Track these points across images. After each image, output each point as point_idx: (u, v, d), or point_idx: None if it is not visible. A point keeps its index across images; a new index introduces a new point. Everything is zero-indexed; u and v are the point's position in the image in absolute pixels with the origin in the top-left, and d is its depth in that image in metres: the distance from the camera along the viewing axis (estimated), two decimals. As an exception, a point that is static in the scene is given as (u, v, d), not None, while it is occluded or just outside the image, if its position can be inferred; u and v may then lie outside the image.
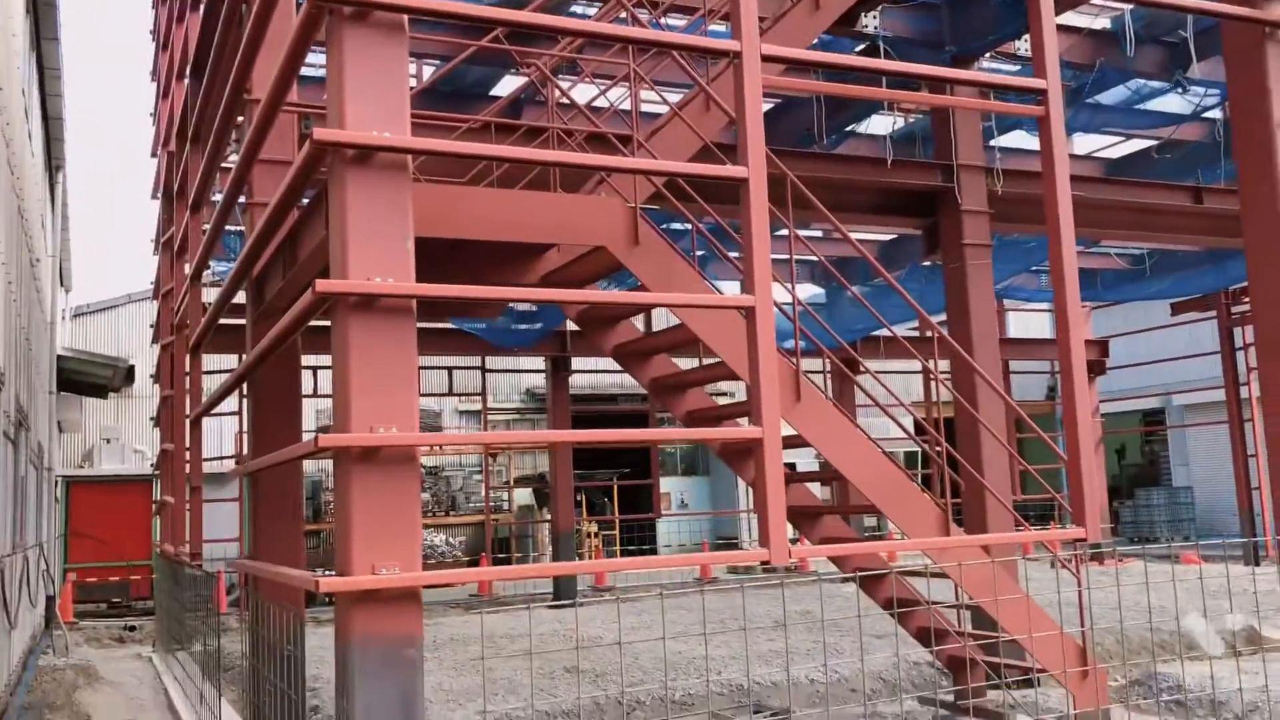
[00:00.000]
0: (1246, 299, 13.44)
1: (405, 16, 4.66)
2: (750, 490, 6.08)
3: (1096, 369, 20.80)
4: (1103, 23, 10.56)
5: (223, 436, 18.12)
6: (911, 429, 7.44)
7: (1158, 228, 11.91)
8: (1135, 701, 7.66)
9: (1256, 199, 7.12)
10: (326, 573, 4.56)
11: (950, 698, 7.70)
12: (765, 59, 5.34)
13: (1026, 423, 6.97)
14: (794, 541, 5.13)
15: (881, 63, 6.48)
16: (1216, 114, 11.80)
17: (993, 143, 10.73)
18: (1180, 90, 10.75)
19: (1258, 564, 17.01)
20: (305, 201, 6.11)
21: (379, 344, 4.41)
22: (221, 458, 16.99)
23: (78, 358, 17.90)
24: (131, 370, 20.72)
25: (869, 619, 7.26)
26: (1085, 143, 14.82)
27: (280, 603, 6.39)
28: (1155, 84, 10.68)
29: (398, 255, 4.48)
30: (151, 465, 19.22)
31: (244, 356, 8.64)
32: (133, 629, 15.94)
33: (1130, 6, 9.58)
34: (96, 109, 68.51)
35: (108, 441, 21.52)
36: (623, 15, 7.85)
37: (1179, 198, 11.67)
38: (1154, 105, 11.86)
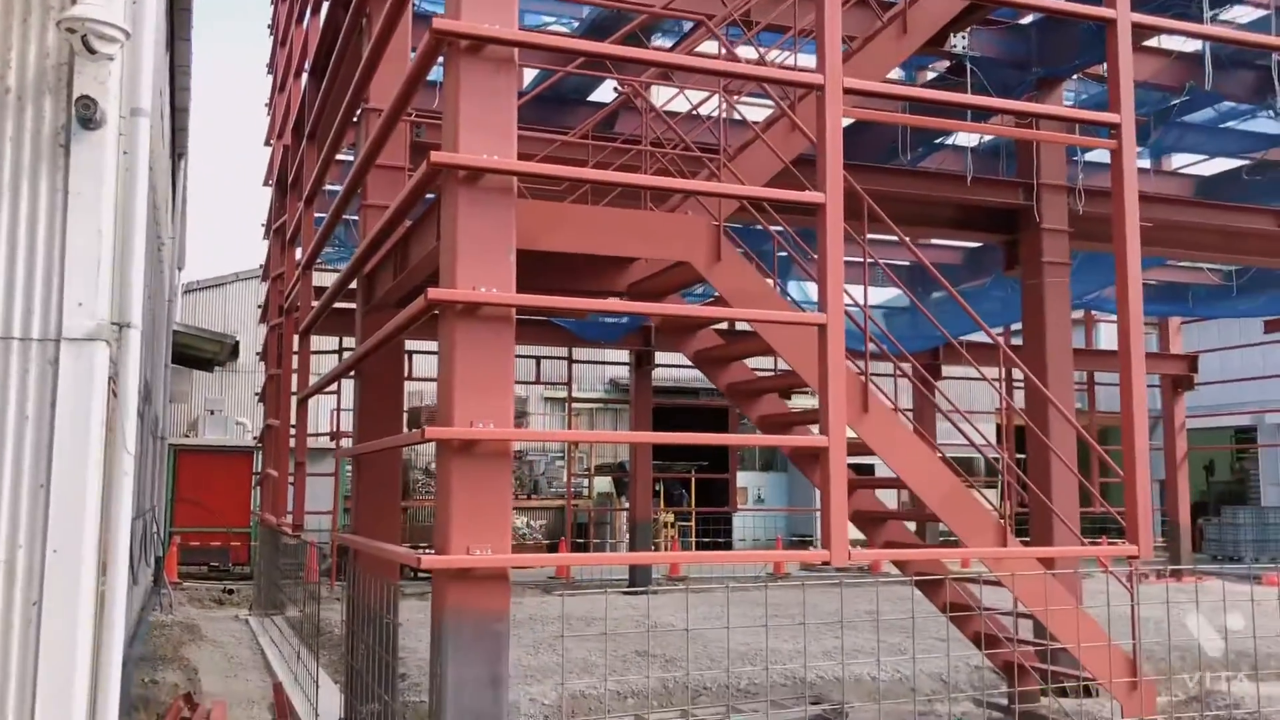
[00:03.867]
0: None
1: (515, 50, 5.14)
2: (820, 492, 6.48)
3: (1184, 384, 20.57)
4: (1194, 45, 10.62)
5: (319, 414, 19.00)
6: (993, 436, 7.74)
7: (1244, 250, 11.91)
8: (1188, 716, 7.85)
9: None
10: (423, 548, 5.09)
11: (1004, 701, 7.99)
12: (847, 91, 5.71)
13: (1085, 439, 7.21)
14: (858, 544, 5.52)
15: (961, 97, 6.77)
16: (1311, 137, 11.75)
17: (1077, 158, 10.86)
18: (1272, 115, 10.76)
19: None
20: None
21: (481, 347, 4.91)
22: (319, 434, 17.84)
23: (190, 333, 18.91)
24: (237, 346, 21.78)
25: (936, 622, 7.57)
26: (1179, 157, 14.77)
27: (377, 574, 6.98)
28: (1244, 106, 10.70)
29: (501, 267, 4.97)
30: (254, 438, 20.21)
31: (352, 343, 9.24)
32: (231, 592, 16.88)
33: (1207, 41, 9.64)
34: (206, 96, 70.95)
35: (212, 413, 22.63)
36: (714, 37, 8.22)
37: (1266, 221, 11.66)
38: (1247, 126, 11.85)
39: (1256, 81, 10.23)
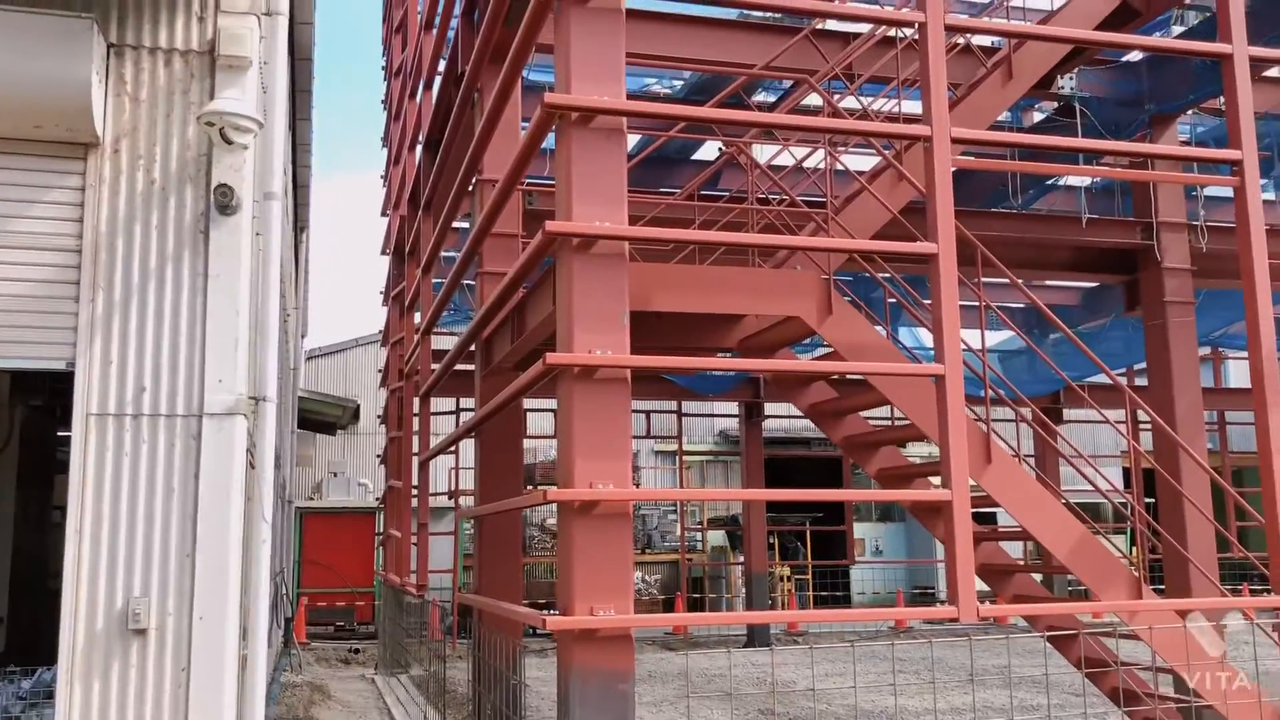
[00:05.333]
0: None
1: (624, 119, 5.28)
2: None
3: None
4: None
5: (437, 474, 19.40)
6: (1119, 480, 7.52)
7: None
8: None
9: None
10: (542, 605, 5.16)
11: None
12: (955, 141, 5.70)
13: (1218, 481, 6.93)
14: (985, 599, 5.39)
15: (1070, 140, 6.68)
16: None
17: (1196, 194, 10.56)
18: (1407, 140, 10.31)
19: None
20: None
21: (598, 409, 5.00)
22: (438, 494, 18.19)
23: (313, 398, 19.58)
24: (358, 410, 22.44)
25: (1073, 677, 7.32)
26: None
27: (501, 633, 7.09)
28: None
29: (615, 329, 5.07)
30: (376, 499, 20.72)
31: (470, 407, 9.47)
32: (357, 651, 17.23)
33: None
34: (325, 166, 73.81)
35: (335, 475, 23.28)
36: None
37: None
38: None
39: (1388, 106, 9.85)
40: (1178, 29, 9.88)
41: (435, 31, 10.68)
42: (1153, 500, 9.58)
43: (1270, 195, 13.48)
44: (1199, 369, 9.87)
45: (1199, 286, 10.11)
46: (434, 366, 10.17)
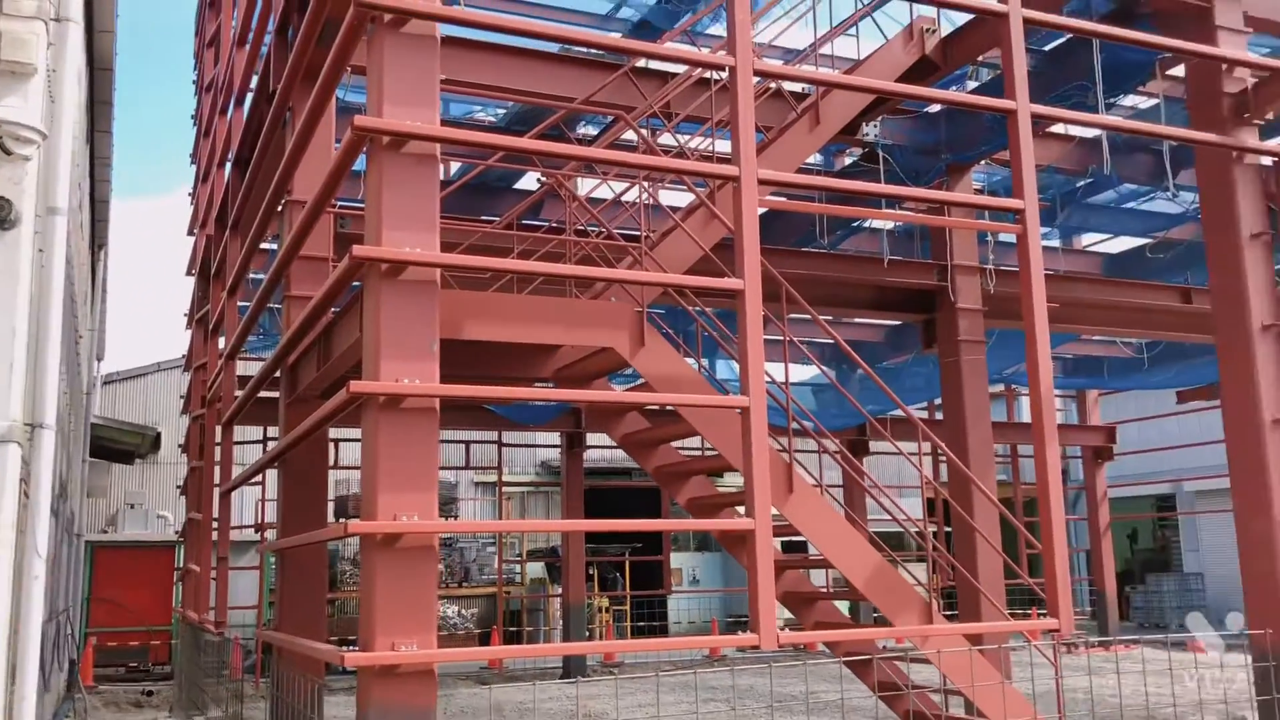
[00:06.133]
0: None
1: (437, 145, 5.23)
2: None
3: (1104, 454, 21.10)
4: (1095, 131, 11.12)
5: (243, 506, 18.61)
6: (922, 510, 7.88)
7: (1152, 324, 12.38)
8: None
9: (1226, 306, 7.58)
10: (351, 642, 5.01)
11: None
12: (762, 182, 5.90)
13: (1004, 513, 7.35)
14: (790, 626, 5.53)
15: (872, 186, 7.02)
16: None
17: (988, 239, 11.25)
18: (1171, 196, 11.27)
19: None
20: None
21: (404, 439, 4.90)
22: (243, 526, 17.44)
23: (110, 425, 18.47)
24: (158, 438, 21.29)
25: (875, 702, 7.58)
26: (1088, 236, 15.37)
27: (302, 671, 6.82)
28: (1144, 188, 11.20)
29: (424, 358, 4.99)
30: (176, 532, 19.67)
31: (276, 436, 9.11)
32: (151, 693, 16.24)
33: (1106, 132, 10.12)
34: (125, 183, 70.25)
35: (132, 507, 21.99)
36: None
37: (1169, 298, 12.15)
38: (1148, 206, 12.40)
39: (1153, 165, 10.73)
40: (973, 84, 10.54)
41: (248, 47, 10.33)
42: (950, 529, 10.10)
43: (1055, 243, 14.52)
44: (989, 404, 10.49)
45: (990, 326, 10.77)
46: (238, 393, 9.76)
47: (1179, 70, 8.60)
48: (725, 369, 15.69)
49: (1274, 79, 7.58)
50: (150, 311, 58.86)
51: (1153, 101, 10.59)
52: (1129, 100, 11.24)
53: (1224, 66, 7.64)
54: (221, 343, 11.69)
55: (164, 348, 59.25)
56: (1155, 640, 17.58)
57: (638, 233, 8.30)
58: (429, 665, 4.79)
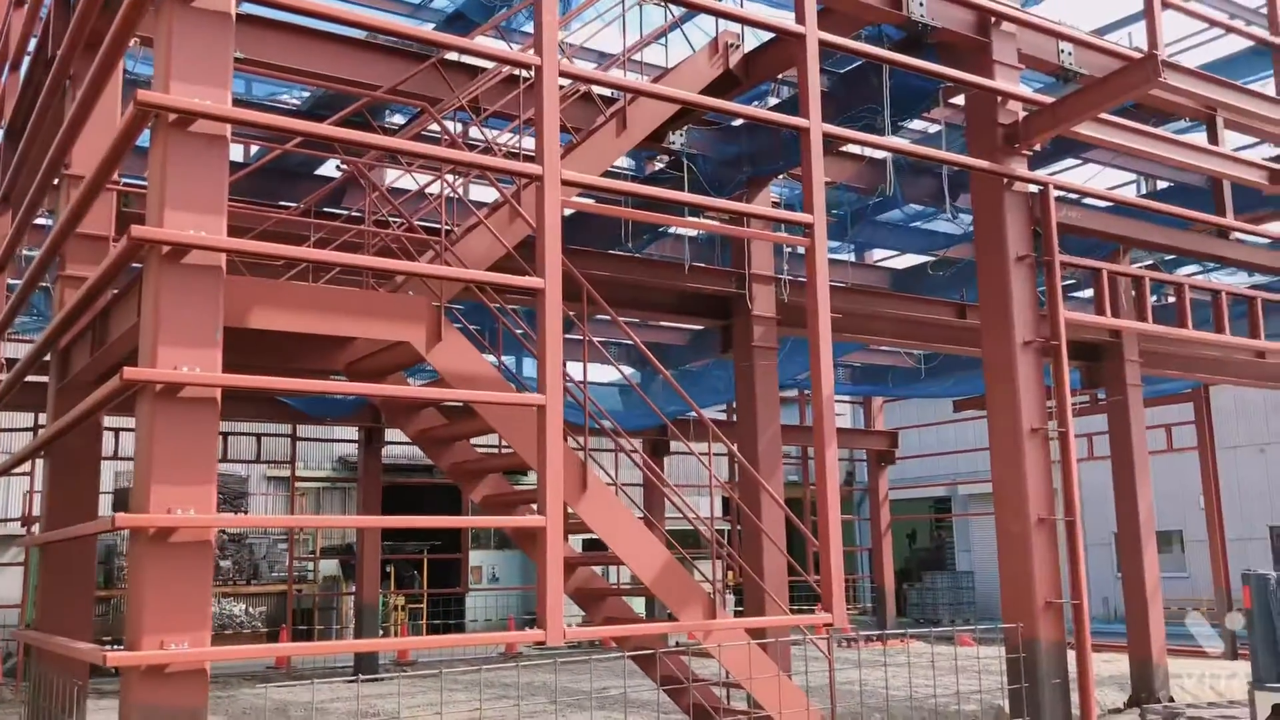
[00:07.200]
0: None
1: (228, 125, 5.05)
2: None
3: (887, 458, 22.28)
4: (884, 153, 11.73)
5: (8, 496, 17.35)
6: (720, 510, 8.12)
7: (928, 337, 13.16)
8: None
9: (993, 323, 8.15)
10: (118, 645, 4.77)
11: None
12: (565, 183, 5.95)
13: (786, 512, 7.67)
14: (579, 622, 5.60)
15: (674, 194, 7.21)
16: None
17: (784, 251, 11.69)
18: (951, 217, 12.01)
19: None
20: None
21: (181, 430, 4.71)
22: (8, 519, 16.27)
23: None
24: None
25: (665, 696, 7.76)
26: (879, 251, 16.21)
27: (65, 674, 6.44)
28: (928, 209, 11.90)
29: (205, 345, 4.81)
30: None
31: (45, 423, 8.56)
32: (-110, 701, 14.92)
33: (893, 154, 10.70)
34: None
35: (-122, 497, 20.13)
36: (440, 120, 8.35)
37: (945, 312, 12.95)
38: (931, 225, 13.18)
39: (935, 187, 11.40)
40: (774, 100, 10.95)
41: (26, 8, 9.65)
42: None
43: (849, 256, 15.24)
44: (779, 408, 10.91)
45: (784, 334, 11.21)
46: (3, 376, 9.11)
47: (961, 99, 9.17)
48: (532, 367, 15.71)
49: (1042, 113, 8.19)
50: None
51: (937, 128, 11.27)
52: (918, 125, 11.91)
53: (998, 99, 8.21)
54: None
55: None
56: (925, 634, 18.67)
57: (440, 226, 8.23)
58: (200, 664, 4.62)
